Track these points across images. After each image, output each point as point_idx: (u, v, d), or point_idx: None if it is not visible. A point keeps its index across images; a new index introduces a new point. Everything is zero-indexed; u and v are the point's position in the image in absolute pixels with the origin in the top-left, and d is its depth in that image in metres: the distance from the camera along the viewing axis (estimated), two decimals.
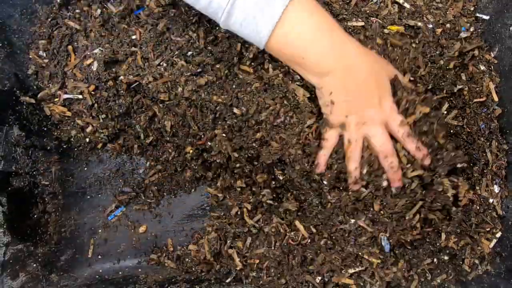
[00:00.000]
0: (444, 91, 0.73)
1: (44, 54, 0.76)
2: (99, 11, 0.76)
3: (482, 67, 0.75)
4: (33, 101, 0.75)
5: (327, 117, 0.63)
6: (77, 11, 0.77)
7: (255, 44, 0.59)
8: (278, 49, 0.59)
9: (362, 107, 0.60)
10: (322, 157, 0.65)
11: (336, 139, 0.64)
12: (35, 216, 0.74)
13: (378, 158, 0.63)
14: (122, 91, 0.73)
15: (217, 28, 0.71)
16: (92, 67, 0.73)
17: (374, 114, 0.61)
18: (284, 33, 0.57)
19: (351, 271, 0.70)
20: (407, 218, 0.66)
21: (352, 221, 0.68)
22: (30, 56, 0.75)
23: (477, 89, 0.75)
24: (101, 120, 0.76)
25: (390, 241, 0.69)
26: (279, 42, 0.58)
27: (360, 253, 0.70)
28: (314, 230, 0.72)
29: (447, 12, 0.73)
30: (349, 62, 0.59)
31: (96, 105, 0.74)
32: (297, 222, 0.72)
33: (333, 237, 0.71)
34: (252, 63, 0.70)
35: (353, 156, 0.63)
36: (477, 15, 0.75)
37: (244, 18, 0.56)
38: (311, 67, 0.60)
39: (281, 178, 0.72)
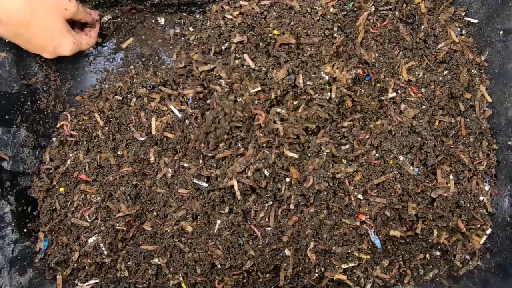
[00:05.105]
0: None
1: None
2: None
3: (474, 71, 0.77)
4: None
5: None
6: None
7: None
8: None
9: None
10: None
11: None
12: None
13: None
14: None
15: None
16: None
17: None
18: None
19: (344, 266, 0.72)
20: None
21: None
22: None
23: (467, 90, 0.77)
24: None
25: (379, 236, 0.71)
26: None
27: (349, 250, 0.72)
28: None
29: (439, 17, 0.75)
30: None
31: None
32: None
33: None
34: None
35: None
36: (467, 19, 0.77)
37: None
38: None
39: None
